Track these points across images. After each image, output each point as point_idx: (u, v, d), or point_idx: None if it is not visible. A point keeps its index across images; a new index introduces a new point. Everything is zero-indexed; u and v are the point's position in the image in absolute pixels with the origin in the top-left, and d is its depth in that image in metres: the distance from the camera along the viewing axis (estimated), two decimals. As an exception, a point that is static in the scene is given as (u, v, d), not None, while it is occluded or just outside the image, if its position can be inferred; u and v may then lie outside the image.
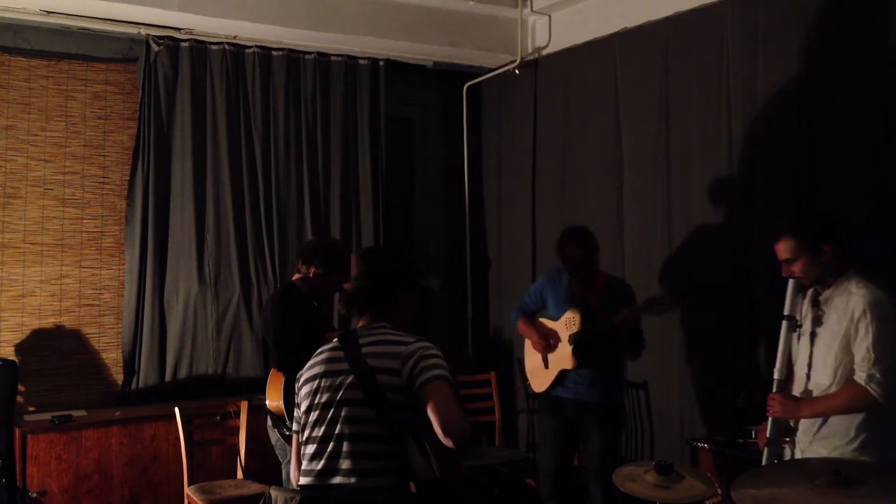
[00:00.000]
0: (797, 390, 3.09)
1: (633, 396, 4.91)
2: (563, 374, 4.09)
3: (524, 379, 4.42)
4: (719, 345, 4.38)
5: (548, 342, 4.12)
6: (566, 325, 4.09)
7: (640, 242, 4.93)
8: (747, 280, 4.25)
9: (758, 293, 4.19)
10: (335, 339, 2.59)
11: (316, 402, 2.50)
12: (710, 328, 4.45)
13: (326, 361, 2.54)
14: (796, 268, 3.01)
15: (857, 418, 2.88)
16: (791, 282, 3.07)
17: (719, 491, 3.53)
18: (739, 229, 4.30)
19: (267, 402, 3.79)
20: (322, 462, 2.45)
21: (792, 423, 3.10)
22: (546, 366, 4.20)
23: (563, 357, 4.07)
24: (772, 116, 4.17)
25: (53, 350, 5.01)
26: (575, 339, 4.02)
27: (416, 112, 6.35)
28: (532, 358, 4.32)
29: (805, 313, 3.10)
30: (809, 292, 3.11)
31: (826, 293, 3.01)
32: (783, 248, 3.04)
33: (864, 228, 3.72)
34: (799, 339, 3.10)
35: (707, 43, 4.49)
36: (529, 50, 5.87)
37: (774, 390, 3.09)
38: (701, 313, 4.51)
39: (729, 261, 4.36)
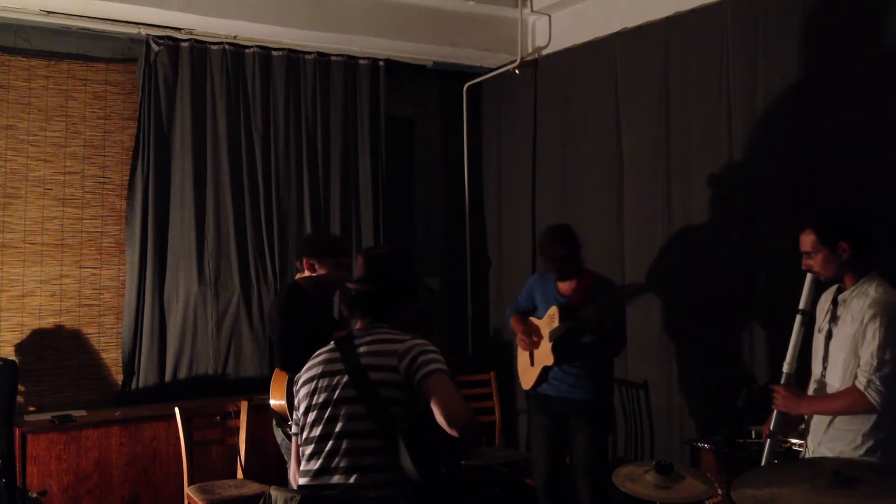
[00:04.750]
0: (811, 387, 3.09)
1: (633, 396, 4.91)
2: (546, 371, 4.16)
3: (517, 375, 4.49)
4: (719, 345, 4.38)
5: (531, 339, 4.20)
6: (548, 322, 4.15)
7: (640, 242, 4.93)
8: (747, 280, 4.25)
9: (758, 293, 4.19)
10: (332, 342, 2.61)
11: (314, 402, 2.52)
12: (709, 328, 4.45)
13: (323, 363, 2.56)
14: (815, 262, 3.00)
15: (864, 425, 2.86)
16: (809, 276, 3.06)
17: (719, 491, 3.53)
18: (739, 229, 4.30)
19: (271, 402, 3.79)
20: (320, 461, 2.46)
21: (807, 420, 3.09)
22: (532, 363, 4.27)
23: (544, 353, 4.15)
24: (772, 116, 4.17)
25: (53, 350, 5.01)
26: (554, 336, 4.07)
27: (416, 112, 6.36)
28: (522, 355, 4.38)
29: (826, 311, 3.07)
30: (832, 290, 3.08)
31: (845, 294, 2.99)
32: (804, 241, 3.03)
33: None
34: (818, 332, 3.09)
35: (707, 43, 4.49)
36: (529, 50, 5.87)
37: (782, 382, 3.08)
38: (700, 313, 4.51)
39: (729, 260, 4.36)
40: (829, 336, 3.01)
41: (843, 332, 2.94)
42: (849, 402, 2.85)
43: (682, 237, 4.66)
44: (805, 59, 4.01)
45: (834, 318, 3.00)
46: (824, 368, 3.02)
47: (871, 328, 2.82)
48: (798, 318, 3.09)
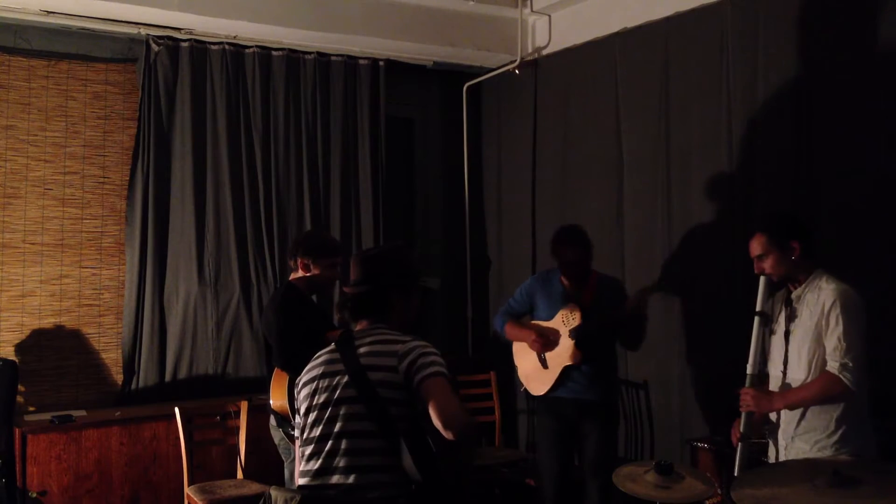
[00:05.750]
0: (773, 388, 3.15)
1: (633, 396, 4.91)
2: (565, 373, 4.07)
3: (520, 384, 4.38)
4: (719, 345, 4.38)
5: (547, 340, 4.10)
6: (564, 321, 4.07)
7: (640, 242, 4.93)
8: (747, 280, 4.24)
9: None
10: (332, 344, 2.61)
11: (314, 403, 2.52)
12: (710, 328, 4.45)
13: (324, 364, 2.57)
14: (767, 264, 3.11)
15: (835, 411, 2.94)
16: (762, 279, 3.16)
17: (719, 491, 3.53)
18: (739, 229, 4.30)
19: (271, 402, 3.79)
20: (320, 461, 2.46)
21: (773, 419, 3.15)
22: (545, 366, 4.16)
23: (564, 353, 4.05)
24: (772, 116, 4.17)
25: (53, 350, 5.01)
26: (576, 334, 4.00)
27: (416, 112, 6.36)
28: (526, 361, 4.26)
29: (779, 312, 3.17)
30: (782, 292, 3.18)
31: (797, 291, 3.10)
32: (755, 245, 3.14)
33: (864, 227, 3.72)
34: (772, 336, 3.19)
35: (707, 43, 4.49)
36: (529, 50, 5.87)
37: (747, 385, 3.16)
38: (701, 313, 4.51)
39: (729, 260, 4.36)
40: (786, 335, 3.09)
41: (804, 326, 3.03)
42: (823, 388, 2.93)
43: (681, 237, 4.66)
44: (805, 58, 4.02)
45: (790, 318, 3.09)
46: (785, 367, 3.10)
47: (833, 315, 2.92)
48: (756, 320, 3.18)
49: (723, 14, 4.41)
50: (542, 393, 4.18)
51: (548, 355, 4.14)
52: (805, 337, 3.01)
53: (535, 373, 4.21)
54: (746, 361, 4.18)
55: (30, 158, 4.99)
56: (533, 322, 4.24)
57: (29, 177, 4.99)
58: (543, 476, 4.21)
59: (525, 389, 4.33)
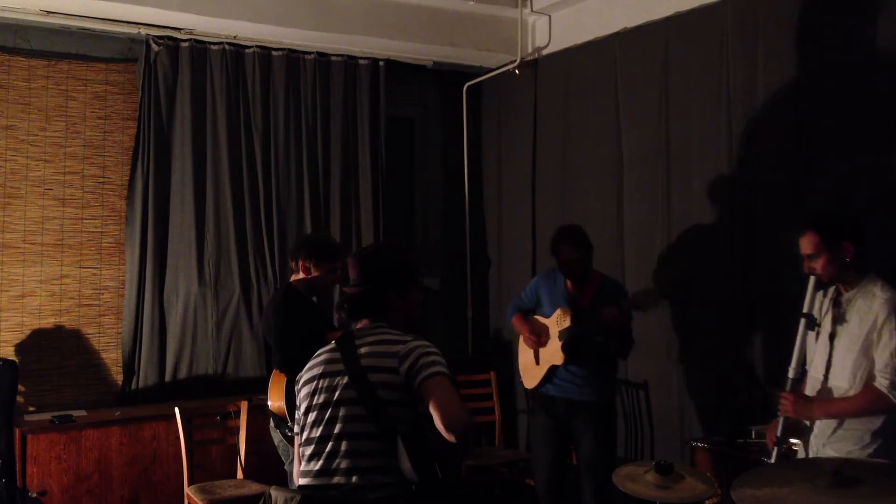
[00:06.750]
0: (811, 391, 3.06)
1: (633, 396, 4.91)
2: (552, 371, 4.13)
3: (519, 376, 4.47)
4: (719, 345, 4.38)
5: (539, 338, 4.17)
6: (556, 321, 4.13)
7: (640, 242, 4.93)
8: (747, 280, 4.25)
9: (757, 293, 4.19)
10: (333, 342, 2.61)
11: (314, 402, 2.52)
12: (709, 328, 4.45)
13: (324, 363, 2.56)
14: (818, 264, 2.96)
15: (873, 424, 2.85)
16: (812, 279, 3.02)
17: (719, 491, 3.53)
18: (739, 229, 4.30)
19: (269, 403, 3.79)
20: (320, 462, 2.46)
21: (808, 424, 3.06)
22: (537, 362, 4.24)
23: (552, 353, 4.12)
24: (772, 116, 4.17)
25: (53, 350, 5.01)
26: (564, 335, 4.05)
27: (416, 112, 6.36)
28: (525, 354, 4.36)
29: (825, 312, 3.04)
30: (831, 291, 3.06)
31: (848, 294, 2.97)
32: (806, 243, 2.99)
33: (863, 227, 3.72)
34: (817, 338, 3.05)
35: (707, 43, 4.49)
36: (529, 50, 5.87)
37: (788, 389, 3.05)
38: (700, 313, 4.51)
39: (728, 260, 4.36)
40: (832, 337, 2.97)
41: (851, 334, 2.91)
42: (867, 403, 2.83)
43: (681, 237, 4.66)
44: (804, 59, 4.02)
45: (838, 320, 2.97)
46: (827, 370, 2.98)
47: (886, 329, 2.80)
48: (802, 321, 3.04)
49: (723, 14, 4.41)
50: (531, 387, 4.29)
51: (541, 351, 4.22)
52: (852, 345, 2.89)
53: (529, 366, 4.31)
54: (747, 361, 4.23)
55: (30, 158, 4.99)
56: (535, 317, 4.31)
57: (29, 177, 4.99)
58: (536, 473, 4.25)
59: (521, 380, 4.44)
